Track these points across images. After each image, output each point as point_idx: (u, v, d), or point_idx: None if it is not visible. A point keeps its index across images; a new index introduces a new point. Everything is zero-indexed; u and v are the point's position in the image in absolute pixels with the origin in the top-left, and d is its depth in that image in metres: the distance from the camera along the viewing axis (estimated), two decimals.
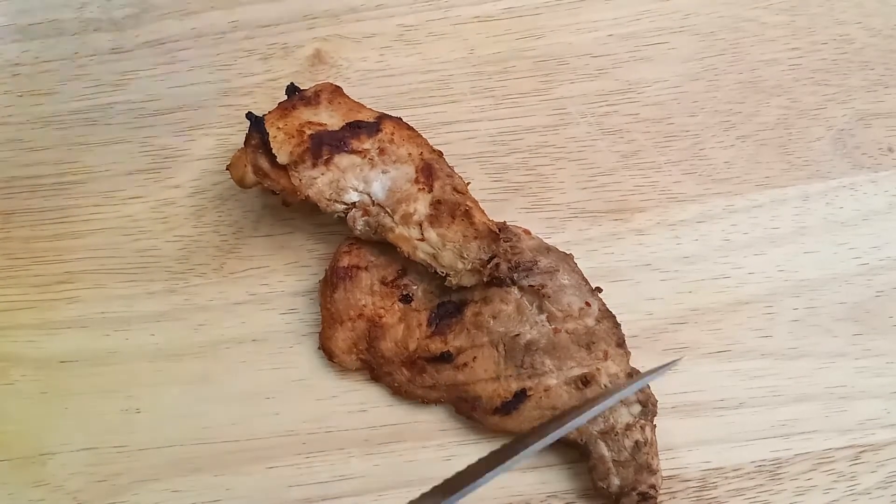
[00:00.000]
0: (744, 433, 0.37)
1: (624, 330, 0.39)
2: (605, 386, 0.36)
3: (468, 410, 0.37)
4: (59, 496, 0.37)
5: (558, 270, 0.38)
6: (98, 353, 0.40)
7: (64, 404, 0.39)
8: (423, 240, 0.38)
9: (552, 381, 0.37)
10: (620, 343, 0.37)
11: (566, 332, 0.37)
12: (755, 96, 0.45)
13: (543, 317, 0.38)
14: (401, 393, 0.38)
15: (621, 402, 0.36)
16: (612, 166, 0.43)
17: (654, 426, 0.36)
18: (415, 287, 0.39)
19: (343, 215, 0.38)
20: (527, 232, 0.40)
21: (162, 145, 0.44)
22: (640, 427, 0.36)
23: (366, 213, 0.38)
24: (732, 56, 0.46)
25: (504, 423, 0.37)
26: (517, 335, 0.37)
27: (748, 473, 0.36)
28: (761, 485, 0.36)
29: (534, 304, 0.38)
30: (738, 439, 0.37)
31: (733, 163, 0.43)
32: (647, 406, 0.36)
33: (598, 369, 0.37)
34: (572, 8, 0.47)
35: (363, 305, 0.38)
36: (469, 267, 0.38)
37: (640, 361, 0.38)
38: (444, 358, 0.38)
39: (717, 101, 0.45)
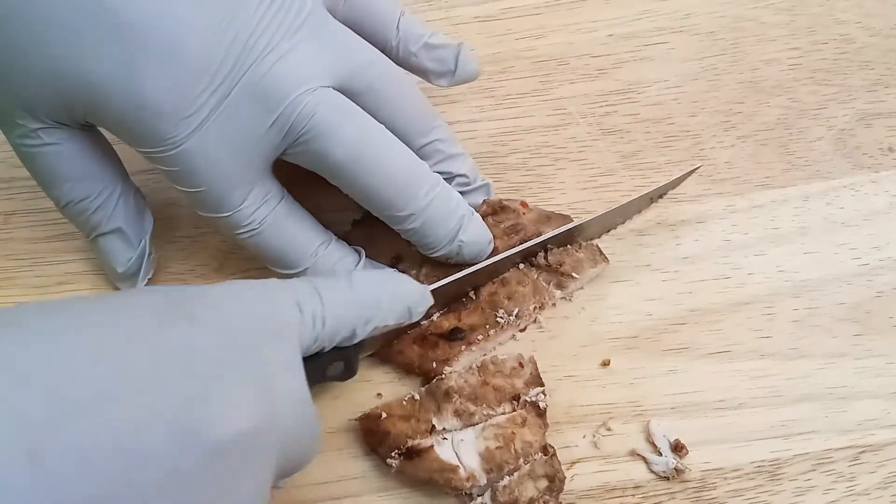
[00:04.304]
0: (743, 433, 0.37)
1: (624, 330, 0.39)
2: (516, 451, 0.35)
3: (374, 445, 0.36)
4: None
5: (580, 244, 0.39)
6: None
7: None
8: None
9: (465, 434, 0.35)
10: (541, 414, 0.36)
11: (493, 386, 0.36)
12: (755, 96, 0.45)
13: (475, 365, 0.37)
14: (413, 371, 0.38)
15: (528, 475, 0.35)
16: (612, 166, 0.43)
17: (560, 503, 0.35)
18: (413, 272, 0.39)
19: None
20: (524, 204, 0.40)
21: None
22: (544, 503, 0.35)
23: None
24: (732, 56, 0.46)
25: (405, 467, 0.35)
26: (441, 379, 0.36)
27: (748, 474, 0.36)
28: (761, 485, 0.36)
29: (551, 283, 0.39)
30: (737, 439, 0.37)
31: (733, 163, 0.43)
32: (554, 482, 0.35)
33: (513, 433, 0.35)
34: (572, 8, 0.47)
35: None
36: None
37: (639, 363, 0.38)
38: (456, 334, 0.37)
39: (717, 101, 0.45)
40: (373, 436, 0.36)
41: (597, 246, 0.40)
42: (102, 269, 0.41)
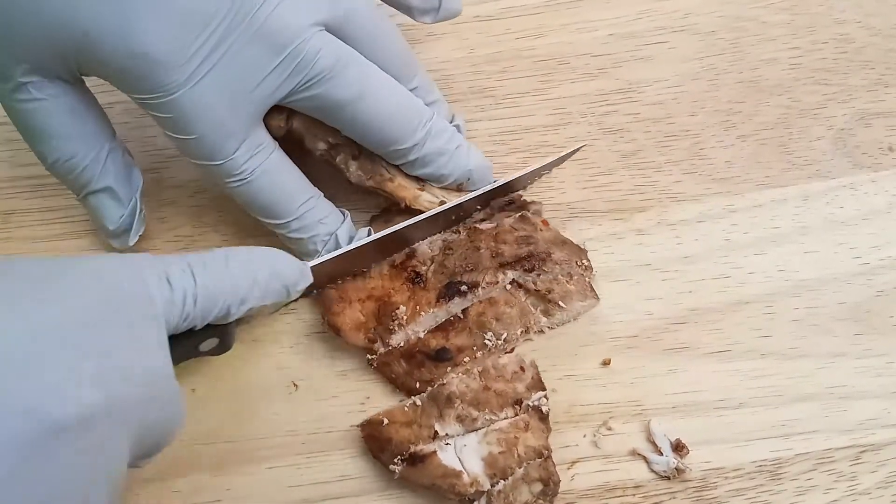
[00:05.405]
0: (744, 433, 0.37)
1: (624, 329, 0.39)
2: (519, 456, 0.35)
3: (377, 451, 0.36)
4: None
5: (570, 275, 0.39)
6: None
7: None
8: (423, 190, 0.39)
9: (468, 439, 0.36)
10: (543, 418, 0.36)
11: (495, 391, 0.36)
12: (755, 96, 0.45)
13: (477, 369, 0.37)
14: (398, 385, 0.38)
15: (522, 479, 0.35)
16: (612, 166, 0.43)
17: None
18: (424, 267, 0.39)
19: (331, 158, 0.39)
20: (545, 222, 0.40)
21: (162, 145, 0.44)
22: None
23: (355, 157, 0.39)
24: (732, 55, 0.46)
25: (408, 473, 0.35)
26: (443, 384, 0.36)
27: (749, 473, 0.36)
28: (762, 485, 0.36)
29: (538, 309, 0.38)
30: (738, 439, 0.37)
31: (733, 162, 0.43)
32: (549, 485, 0.35)
33: (516, 438, 0.35)
34: (572, 7, 0.47)
35: (372, 288, 0.39)
36: None
37: (640, 362, 0.39)
38: (443, 355, 0.37)
39: (717, 101, 0.45)
40: (375, 442, 0.36)
41: (589, 282, 0.39)
42: (94, 226, 0.41)
